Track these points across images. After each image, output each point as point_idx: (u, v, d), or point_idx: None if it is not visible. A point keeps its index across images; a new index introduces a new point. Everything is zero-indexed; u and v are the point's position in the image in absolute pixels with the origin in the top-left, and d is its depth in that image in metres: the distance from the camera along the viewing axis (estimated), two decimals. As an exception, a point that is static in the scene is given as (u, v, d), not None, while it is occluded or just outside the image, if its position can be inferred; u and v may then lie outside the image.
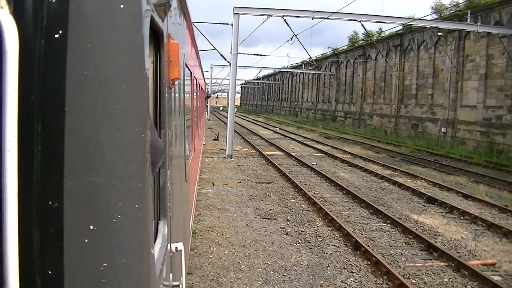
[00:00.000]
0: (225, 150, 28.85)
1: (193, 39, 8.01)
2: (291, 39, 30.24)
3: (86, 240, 1.30)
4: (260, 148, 31.90)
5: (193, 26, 8.29)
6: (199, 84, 14.18)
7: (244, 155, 28.98)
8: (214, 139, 37.93)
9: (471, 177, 22.71)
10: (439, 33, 39.85)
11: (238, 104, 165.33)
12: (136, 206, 1.43)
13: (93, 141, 1.32)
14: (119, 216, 1.36)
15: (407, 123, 47.88)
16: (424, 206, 16.33)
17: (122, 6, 1.38)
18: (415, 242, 11.89)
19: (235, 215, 13.88)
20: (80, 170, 1.31)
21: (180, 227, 3.88)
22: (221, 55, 28.16)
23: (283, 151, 31.50)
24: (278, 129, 55.93)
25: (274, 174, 21.95)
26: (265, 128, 57.80)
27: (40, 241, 1.27)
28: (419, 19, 31.16)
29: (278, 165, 23.92)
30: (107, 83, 1.36)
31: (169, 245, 2.65)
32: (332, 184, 19.68)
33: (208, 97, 49.19)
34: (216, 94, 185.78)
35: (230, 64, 27.08)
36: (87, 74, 1.31)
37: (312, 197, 16.29)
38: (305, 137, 43.57)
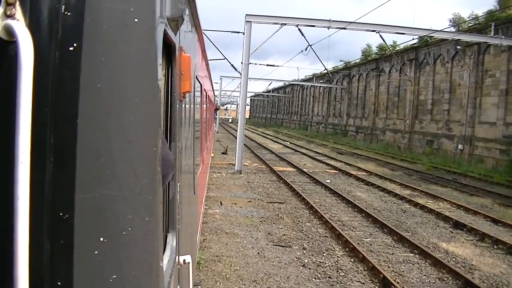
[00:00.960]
0: (234, 165, 27.54)
1: (203, 51, 7.96)
2: (306, 49, 28.99)
3: (96, 252, 1.30)
4: (270, 163, 30.54)
5: (203, 35, 7.84)
6: (209, 96, 14.08)
7: (254, 170, 27.61)
8: (223, 153, 36.61)
9: (496, 199, 21.24)
10: (458, 47, 38.53)
11: (247, 117, 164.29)
12: (146, 218, 1.42)
13: (105, 153, 1.33)
14: (129, 229, 1.36)
15: (422, 139, 46.37)
16: (451, 232, 14.87)
17: (136, 20, 1.39)
18: (450, 278, 10.43)
19: (245, 241, 12.49)
20: (91, 182, 1.30)
21: (188, 240, 3.92)
22: (232, 65, 26.92)
23: (294, 167, 30.12)
24: (288, 143, 54.57)
25: (286, 193, 20.55)
26: (275, 142, 56.43)
27: (50, 252, 1.27)
28: (440, 30, 29.77)
29: (290, 183, 22.55)
30: (119, 96, 1.37)
31: (177, 257, 2.65)
32: (349, 205, 18.25)
33: (217, 109, 48.27)
34: (225, 106, 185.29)
35: (241, 74, 25.78)
36: (100, 87, 1.31)
37: (329, 220, 14.89)
38: (317, 152, 42.16)
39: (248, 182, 23.04)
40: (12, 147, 1.18)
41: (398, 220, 16.21)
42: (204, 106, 10.27)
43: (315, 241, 12.95)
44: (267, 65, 31.87)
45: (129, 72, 1.40)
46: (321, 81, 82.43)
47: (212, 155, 31.22)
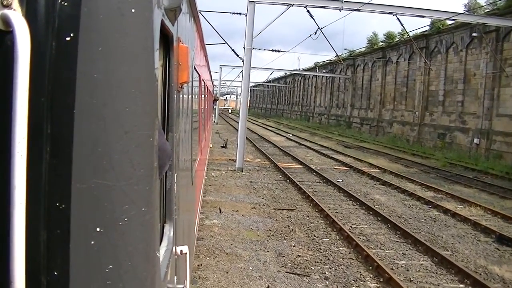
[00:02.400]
0: (235, 161, 25.01)
1: (201, 41, 7.79)
2: (315, 33, 26.26)
3: (92, 242, 1.30)
4: (274, 159, 27.96)
5: (203, 18, 6.56)
6: (207, 87, 13.88)
7: (257, 167, 25.01)
8: (222, 146, 34.00)
9: (531, 203, 18.71)
10: (474, 34, 35.89)
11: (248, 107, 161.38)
12: (143, 209, 1.42)
13: (101, 143, 1.32)
14: (126, 219, 1.35)
15: (433, 132, 43.75)
16: (498, 249, 12.33)
17: (133, 10, 1.37)
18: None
19: (251, 267, 9.90)
20: (88, 172, 1.30)
21: (185, 230, 3.92)
22: (233, 50, 24.15)
23: (300, 163, 27.56)
24: (291, 135, 51.98)
25: (295, 196, 17.96)
26: (277, 134, 53.79)
27: (47, 241, 1.27)
28: (463, 13, 27.05)
29: (298, 183, 19.99)
30: (116, 86, 1.36)
31: (174, 248, 2.64)
32: (370, 212, 15.66)
33: (215, 100, 45.86)
34: (224, 97, 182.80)
35: (243, 60, 23.05)
36: (97, 77, 1.30)
37: (351, 234, 12.34)
38: (322, 146, 39.58)
39: (250, 182, 20.44)
40: (9, 137, 1.17)
41: (430, 232, 13.65)
42: (203, 96, 10.09)
43: (338, 265, 10.36)
44: (272, 50, 29.04)
45: (126, 63, 1.38)
46: (324, 70, 79.67)
47: (211, 145, 29.63)
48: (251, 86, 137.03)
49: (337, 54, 36.56)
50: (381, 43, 58.14)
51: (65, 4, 1.27)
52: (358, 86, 66.20)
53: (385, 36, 56.98)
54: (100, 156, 1.32)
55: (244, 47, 22.68)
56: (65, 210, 1.27)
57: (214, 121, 68.14)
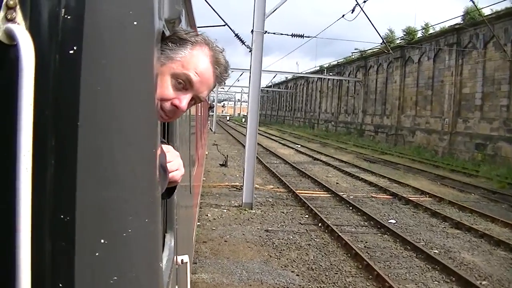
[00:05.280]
0: (239, 189, 18.36)
1: None
2: (352, 11, 19.55)
3: (97, 254, 1.29)
4: (289, 183, 21.29)
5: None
6: None
7: (270, 199, 18.21)
8: (222, 165, 27.17)
9: None
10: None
11: (245, 114, 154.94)
12: (146, 220, 1.41)
13: (105, 155, 1.32)
14: (130, 230, 1.35)
15: (468, 142, 37.05)
16: None
17: (135, 23, 1.37)
18: None
19: None
20: (92, 184, 1.30)
21: (185, 239, 4.01)
22: (236, 34, 17.23)
23: (325, 188, 20.86)
24: (299, 146, 45.27)
25: (342, 262, 11.15)
26: (283, 145, 46.97)
27: (51, 253, 1.26)
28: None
29: (335, 229, 13.31)
30: (119, 98, 1.36)
31: (175, 257, 2.68)
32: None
33: (211, 107, 39.73)
34: (222, 103, 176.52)
35: (250, 50, 16.23)
36: (100, 89, 1.30)
37: None
38: (341, 160, 32.89)
39: (266, 232, 13.52)
40: (14, 150, 1.18)
41: None
42: (199, 105, 9.46)
43: None
44: (292, 35, 22.00)
45: (129, 74, 1.38)
46: (331, 73, 73.15)
47: (207, 152, 26.63)
48: (248, 92, 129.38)
49: (383, 40, 29.58)
50: (399, 41, 51.37)
51: (68, 17, 1.26)
52: (371, 89, 59.63)
53: (404, 33, 50.31)
54: (104, 168, 1.30)
55: (252, 31, 15.94)
56: (70, 222, 1.25)
57: (212, 130, 61.53)
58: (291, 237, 13.02)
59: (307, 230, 13.78)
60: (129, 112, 1.38)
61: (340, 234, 12.89)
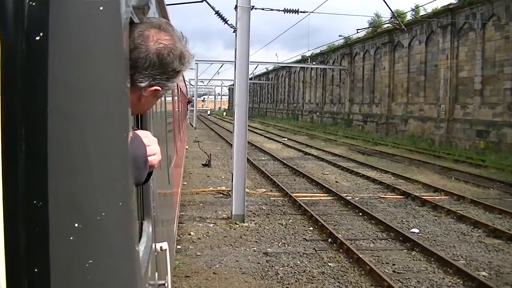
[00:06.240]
0: (227, 195, 15.55)
1: None
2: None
3: (71, 238, 1.29)
4: (284, 184, 18.44)
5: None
6: (180, 88, 13.05)
7: (264, 206, 15.27)
8: (205, 165, 24.21)
9: None
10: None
11: (226, 107, 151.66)
12: (120, 203, 1.40)
13: (76, 143, 1.31)
14: (103, 214, 1.34)
15: (468, 129, 34.52)
16: None
17: (101, 8, 1.35)
18: None
19: None
20: (64, 170, 1.28)
21: (164, 228, 4.01)
22: (217, 12, 14.09)
23: (325, 189, 18.04)
24: (286, 139, 42.52)
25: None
26: (269, 138, 44.20)
27: (26, 239, 1.26)
28: None
29: (349, 245, 10.54)
30: (89, 86, 1.34)
31: (153, 244, 2.64)
32: None
33: (189, 102, 36.95)
34: (202, 97, 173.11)
35: (235, 29, 13.23)
36: (69, 77, 1.29)
37: None
38: (333, 154, 30.16)
39: (266, 255, 10.54)
40: None
41: None
42: (176, 98, 10.00)
43: None
44: (284, 10, 18.97)
45: (97, 61, 1.36)
46: (314, 62, 70.33)
47: (187, 147, 26.41)
48: (230, 86, 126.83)
49: (395, 16, 26.92)
50: (386, 25, 48.62)
51: (34, 4, 1.25)
52: (358, 77, 56.99)
53: (391, 15, 47.51)
54: (74, 155, 1.30)
55: (236, 6, 12.97)
56: (43, 207, 1.25)
57: (192, 125, 58.40)
58: (298, 262, 10.09)
59: (315, 250, 10.87)
60: (99, 100, 1.35)
61: (360, 255, 10.05)
